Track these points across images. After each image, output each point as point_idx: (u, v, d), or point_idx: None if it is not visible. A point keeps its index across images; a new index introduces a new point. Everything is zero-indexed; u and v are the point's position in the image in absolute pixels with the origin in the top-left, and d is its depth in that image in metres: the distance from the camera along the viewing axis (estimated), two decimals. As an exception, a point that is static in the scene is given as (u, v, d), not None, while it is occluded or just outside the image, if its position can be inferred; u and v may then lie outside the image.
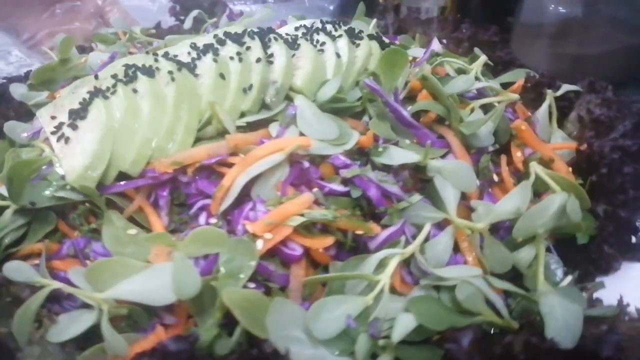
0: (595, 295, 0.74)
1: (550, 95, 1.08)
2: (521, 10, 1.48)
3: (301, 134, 0.78)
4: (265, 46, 0.90)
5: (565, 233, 0.84)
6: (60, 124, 0.78)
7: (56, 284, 0.66)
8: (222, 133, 0.79)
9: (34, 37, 1.28)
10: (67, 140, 0.76)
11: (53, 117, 0.81)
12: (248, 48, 0.88)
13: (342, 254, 0.73)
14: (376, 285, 0.66)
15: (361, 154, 0.80)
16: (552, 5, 1.39)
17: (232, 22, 1.22)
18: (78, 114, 0.78)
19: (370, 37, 1.03)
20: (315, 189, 0.73)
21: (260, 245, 0.68)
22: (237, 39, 0.90)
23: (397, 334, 0.63)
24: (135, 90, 0.79)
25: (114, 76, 0.81)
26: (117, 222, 0.71)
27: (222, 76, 0.82)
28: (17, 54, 1.34)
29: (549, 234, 0.81)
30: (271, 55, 0.89)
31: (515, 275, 0.76)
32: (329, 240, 0.69)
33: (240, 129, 0.80)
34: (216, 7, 1.41)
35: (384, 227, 0.74)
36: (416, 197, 0.76)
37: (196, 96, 0.80)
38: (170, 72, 0.81)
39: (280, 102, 0.84)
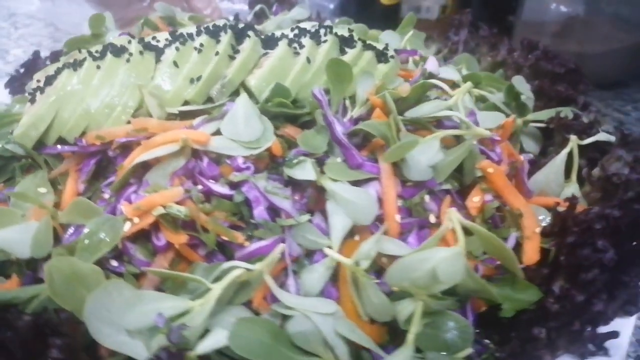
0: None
1: (574, 142, 0.92)
2: (523, 8, 1.47)
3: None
4: (238, 42, 0.91)
5: (488, 299, 0.71)
6: (37, 88, 0.89)
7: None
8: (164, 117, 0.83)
9: (124, 18, 1.44)
10: (33, 101, 0.87)
11: (38, 81, 0.92)
12: (219, 41, 0.90)
13: (215, 256, 0.72)
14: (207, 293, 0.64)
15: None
16: (554, 4, 1.37)
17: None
18: (49, 80, 0.88)
19: (367, 46, 0.97)
20: (196, 186, 0.72)
21: (127, 227, 0.70)
22: (214, 31, 0.92)
23: (200, 347, 0.61)
24: (98, 67, 0.86)
25: (89, 52, 0.89)
26: (35, 179, 0.80)
27: (175, 64, 0.86)
28: (14, 54, 1.51)
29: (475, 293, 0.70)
30: (238, 51, 0.89)
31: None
32: (183, 238, 0.69)
33: (173, 116, 0.83)
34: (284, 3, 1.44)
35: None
36: (304, 217, 0.72)
37: (145, 79, 0.85)
38: (130, 54, 0.86)
39: (224, 96, 0.84)
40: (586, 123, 0.96)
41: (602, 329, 0.68)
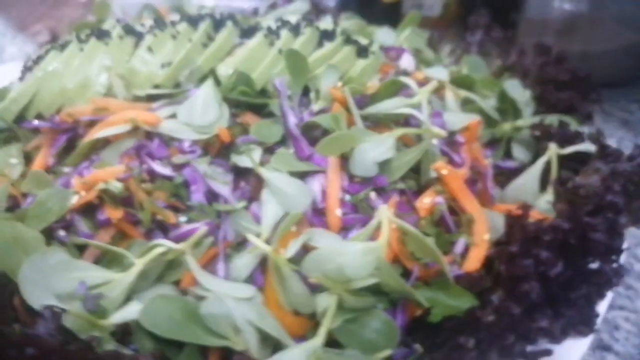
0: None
1: (552, 151, 0.88)
2: (526, 6, 1.45)
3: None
4: (217, 31, 0.93)
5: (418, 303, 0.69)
6: (29, 67, 0.95)
7: None
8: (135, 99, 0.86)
9: (24, 20, 1.47)
10: (22, 79, 0.93)
11: (32, 60, 0.98)
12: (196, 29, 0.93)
13: (154, 234, 0.74)
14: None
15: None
16: (558, 2, 1.35)
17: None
18: (38, 60, 0.94)
19: (349, 41, 0.96)
20: (141, 165, 0.75)
21: (74, 199, 0.74)
22: (194, 20, 0.94)
23: (113, 317, 0.64)
24: (81, 49, 0.91)
25: (77, 35, 0.94)
26: (9, 150, 0.85)
27: (150, 49, 0.89)
28: (10, 52, 1.49)
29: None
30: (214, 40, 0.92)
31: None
32: (119, 213, 0.71)
33: (141, 98, 0.86)
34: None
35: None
36: (241, 204, 0.73)
37: (120, 62, 0.88)
38: (108, 38, 0.90)
39: (192, 82, 0.87)
40: (571, 132, 0.91)
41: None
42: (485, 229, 0.76)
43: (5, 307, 0.66)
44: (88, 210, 0.75)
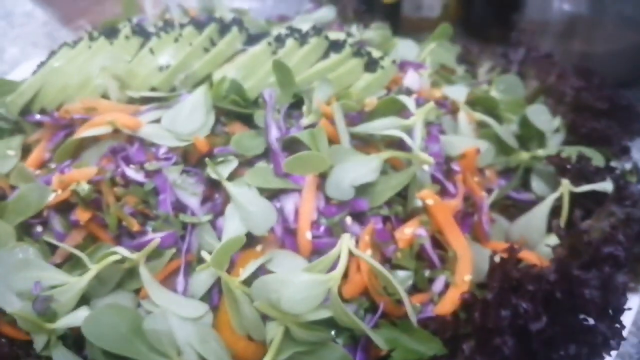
0: None
1: (565, 188, 0.79)
2: (526, 7, 1.44)
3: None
4: (221, 35, 0.91)
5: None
6: (46, 61, 0.98)
7: None
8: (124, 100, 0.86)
9: (68, 14, 1.48)
10: (34, 73, 0.95)
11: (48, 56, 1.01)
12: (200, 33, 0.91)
13: (122, 239, 0.73)
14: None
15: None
16: (557, 3, 1.35)
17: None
18: (51, 55, 0.96)
19: (358, 54, 0.91)
20: (117, 169, 0.74)
21: (51, 197, 0.74)
22: (200, 24, 0.93)
23: (61, 322, 0.63)
24: (90, 47, 0.92)
25: (90, 33, 0.95)
26: (10, 142, 0.87)
27: (151, 51, 0.88)
28: (11, 53, 1.51)
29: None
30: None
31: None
32: (86, 215, 0.71)
33: (135, 100, 0.85)
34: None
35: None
36: (206, 217, 0.70)
37: (121, 62, 0.88)
38: (113, 38, 0.91)
39: (186, 87, 0.85)
40: (591, 168, 0.81)
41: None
42: (468, 268, 0.69)
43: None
44: (66, 209, 0.76)
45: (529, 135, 0.97)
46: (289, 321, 0.61)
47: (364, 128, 0.77)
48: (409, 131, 0.77)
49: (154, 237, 0.69)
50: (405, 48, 1.06)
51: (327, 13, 1.17)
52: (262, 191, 0.71)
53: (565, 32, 1.38)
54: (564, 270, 0.61)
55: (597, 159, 0.85)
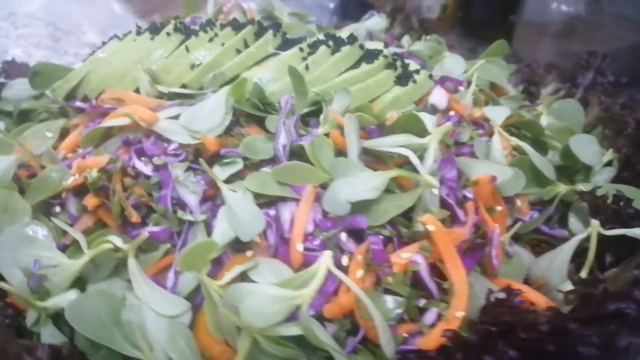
0: None
1: (594, 229, 0.72)
2: (524, 8, 1.44)
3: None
4: (257, 38, 0.92)
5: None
6: (95, 51, 1.03)
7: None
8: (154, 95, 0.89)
9: (144, 9, 1.50)
10: (84, 61, 1.01)
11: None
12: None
13: (128, 228, 0.75)
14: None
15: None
16: (555, 4, 1.35)
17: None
18: (102, 45, 1.01)
19: (391, 65, 0.88)
20: (128, 160, 0.76)
21: (70, 180, 0.78)
22: (239, 26, 0.94)
23: (50, 301, 0.66)
24: (134, 40, 0.96)
25: (138, 27, 0.99)
26: (52, 124, 0.93)
27: (187, 49, 0.90)
28: (14, 54, 1.47)
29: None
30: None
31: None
32: (94, 201, 0.73)
33: (165, 95, 0.88)
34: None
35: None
36: (201, 217, 0.70)
37: (157, 58, 0.91)
38: (156, 34, 0.94)
39: (214, 86, 0.86)
40: (630, 211, 0.73)
41: None
42: (462, 304, 0.64)
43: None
44: (84, 193, 0.79)
45: (575, 167, 0.89)
46: (256, 333, 0.59)
47: (375, 143, 0.74)
48: (424, 151, 0.73)
49: (149, 229, 0.71)
50: (451, 63, 1.01)
51: (378, 21, 1.14)
52: (260, 197, 0.71)
53: (562, 33, 1.37)
54: (559, 322, 0.54)
55: (638, 201, 0.75)
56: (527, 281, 0.77)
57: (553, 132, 0.94)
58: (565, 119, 1.03)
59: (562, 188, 0.83)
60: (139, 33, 0.98)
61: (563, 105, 1.06)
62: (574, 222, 0.83)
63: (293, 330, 0.59)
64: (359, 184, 0.69)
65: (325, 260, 0.62)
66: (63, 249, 0.74)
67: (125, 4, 1.53)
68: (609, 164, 0.92)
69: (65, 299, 0.66)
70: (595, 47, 1.19)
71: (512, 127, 0.94)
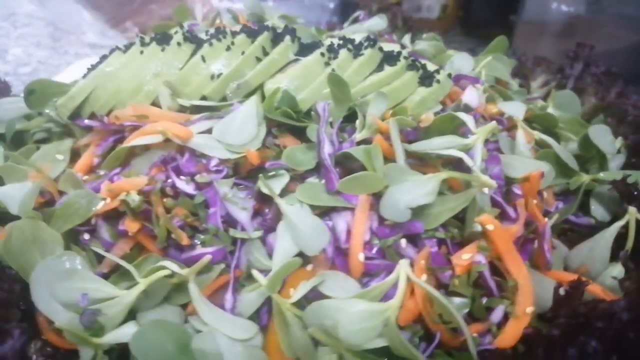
0: None
1: (632, 215, 0.75)
2: (524, 8, 1.47)
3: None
4: (273, 44, 0.90)
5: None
6: (93, 65, 0.97)
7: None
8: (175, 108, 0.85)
9: (116, 17, 1.47)
10: (85, 76, 0.95)
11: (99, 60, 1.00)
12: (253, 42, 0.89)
13: (170, 251, 0.72)
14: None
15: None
16: (555, 3, 1.38)
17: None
18: (102, 59, 0.95)
19: (413, 67, 0.88)
20: (166, 180, 0.73)
21: (100, 204, 0.73)
22: (252, 32, 0.91)
23: (108, 337, 0.62)
24: (141, 52, 0.91)
25: (142, 38, 0.95)
26: (59, 146, 0.87)
27: (203, 59, 0.87)
28: (14, 53, 1.50)
29: None
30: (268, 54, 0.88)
31: None
32: (136, 226, 0.69)
33: (186, 108, 0.84)
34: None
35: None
36: (256, 234, 0.68)
37: (172, 69, 0.87)
38: (165, 44, 0.89)
39: (238, 96, 0.84)
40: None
41: None
42: (529, 300, 0.65)
43: (11, 305, 0.67)
44: (115, 217, 0.75)
45: (589, 156, 0.93)
46: (343, 349, 0.58)
47: (421, 146, 0.74)
48: (467, 151, 0.73)
49: (203, 252, 0.68)
50: (460, 61, 1.02)
51: (378, 22, 1.14)
52: (313, 208, 0.69)
53: (562, 33, 1.41)
54: (638, 309, 0.57)
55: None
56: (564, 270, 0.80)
57: (563, 123, 0.97)
58: (564, 110, 1.07)
59: (585, 178, 0.87)
60: (143, 44, 0.93)
61: (559, 97, 1.10)
62: (596, 209, 0.86)
63: (378, 342, 0.58)
64: (416, 189, 0.68)
65: (404, 269, 0.62)
66: (104, 278, 0.69)
67: (95, 11, 1.45)
68: (617, 151, 0.97)
69: (124, 333, 0.62)
70: (597, 47, 1.22)
71: (526, 120, 0.96)
